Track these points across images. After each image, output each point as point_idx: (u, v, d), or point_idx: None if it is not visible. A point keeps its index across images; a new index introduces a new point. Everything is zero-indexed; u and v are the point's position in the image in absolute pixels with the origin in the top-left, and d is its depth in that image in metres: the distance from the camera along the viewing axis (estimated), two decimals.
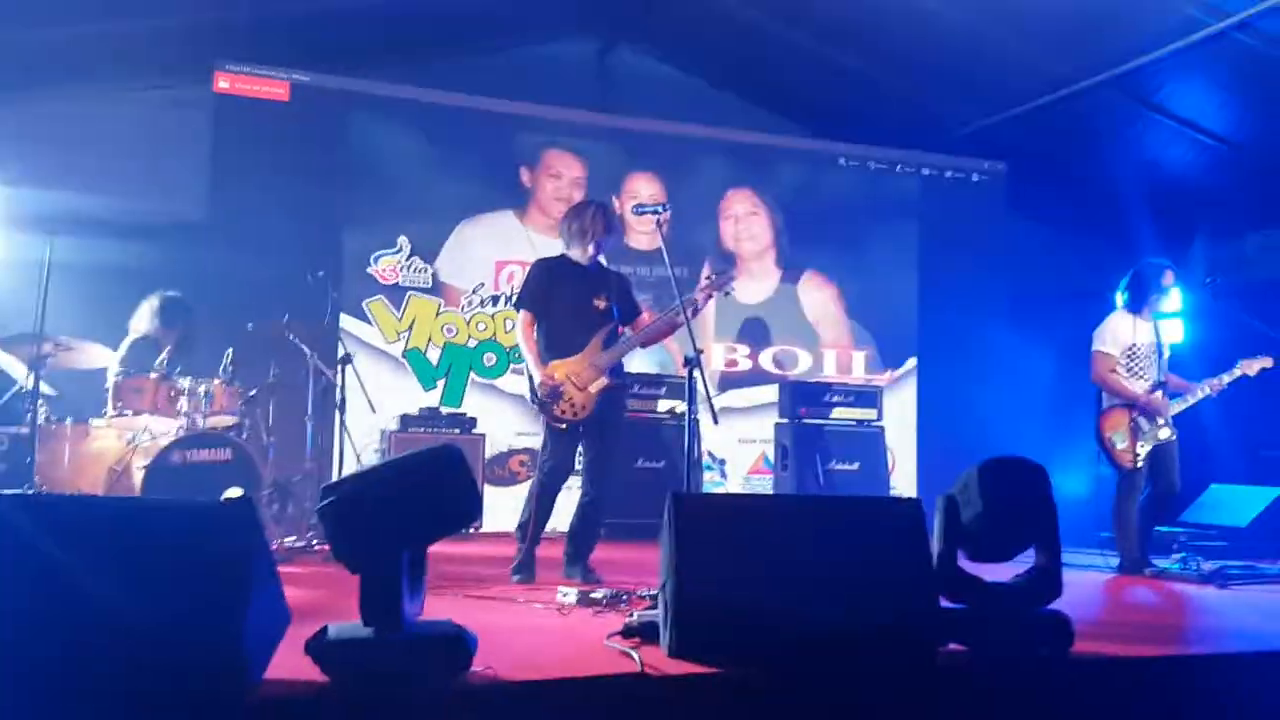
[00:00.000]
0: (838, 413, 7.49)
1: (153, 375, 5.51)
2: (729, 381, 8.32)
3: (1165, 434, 5.51)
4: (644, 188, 8.22)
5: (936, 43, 7.33)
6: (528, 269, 4.87)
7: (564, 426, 4.56)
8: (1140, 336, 5.60)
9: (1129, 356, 5.60)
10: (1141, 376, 5.59)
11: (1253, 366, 5.52)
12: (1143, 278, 5.64)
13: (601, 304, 4.69)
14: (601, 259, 4.80)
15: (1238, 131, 7.42)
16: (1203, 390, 5.54)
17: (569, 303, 4.67)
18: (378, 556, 2.47)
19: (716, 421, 4.15)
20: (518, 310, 4.76)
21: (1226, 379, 5.53)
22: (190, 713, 2.25)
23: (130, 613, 2.27)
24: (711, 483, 8.00)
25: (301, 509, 5.93)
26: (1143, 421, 5.50)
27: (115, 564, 2.35)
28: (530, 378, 4.66)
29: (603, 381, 4.57)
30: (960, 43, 7.29)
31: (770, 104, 8.49)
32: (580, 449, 4.73)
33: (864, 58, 7.63)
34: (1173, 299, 5.70)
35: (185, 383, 5.48)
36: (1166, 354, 5.66)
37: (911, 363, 8.87)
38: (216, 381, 5.59)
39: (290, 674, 2.42)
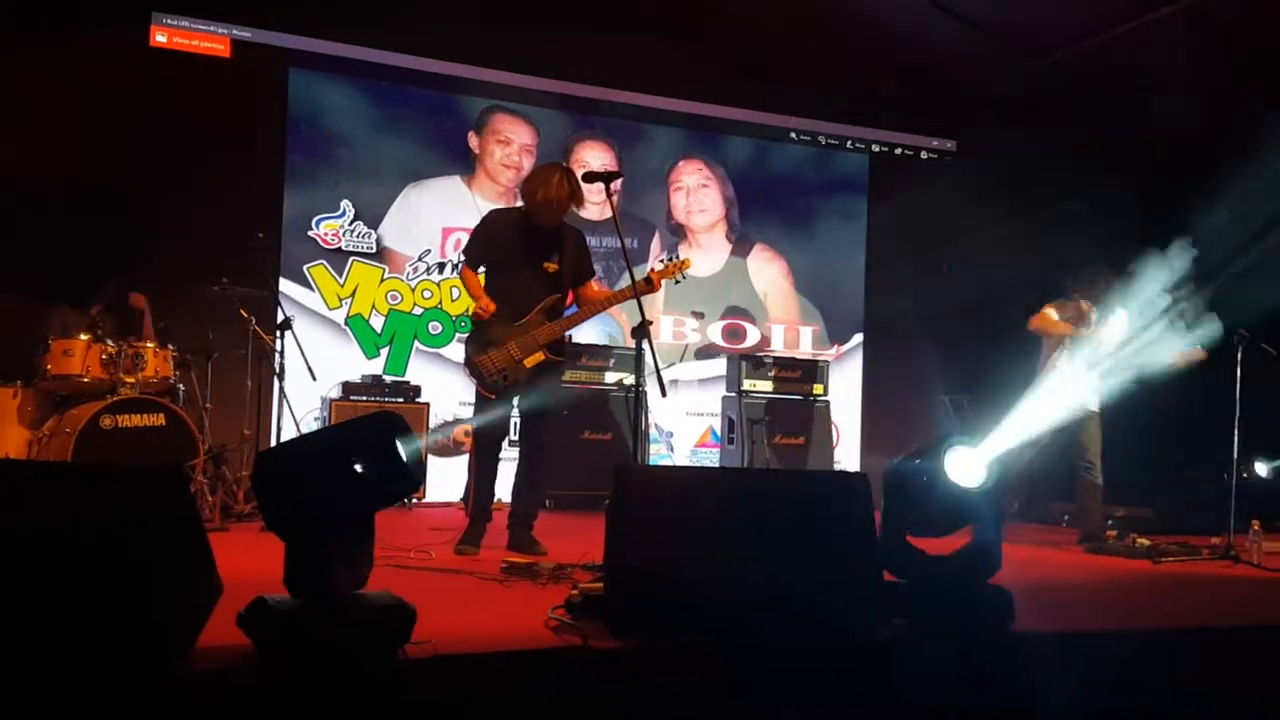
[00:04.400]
0: (785, 387, 7.50)
1: (83, 337, 5.35)
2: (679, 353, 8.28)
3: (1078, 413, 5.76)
4: (594, 156, 8.13)
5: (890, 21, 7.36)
6: (479, 220, 4.74)
7: (493, 396, 4.46)
8: (1084, 324, 5.80)
9: (1072, 340, 5.78)
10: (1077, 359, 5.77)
11: (1183, 359, 5.68)
12: (1089, 273, 5.87)
13: (552, 268, 4.55)
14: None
15: (1186, 114, 7.53)
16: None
17: (518, 264, 4.53)
18: (309, 523, 2.38)
19: (664, 394, 4.10)
20: (461, 265, 4.63)
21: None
22: (111, 687, 2.17)
23: (47, 580, 2.17)
24: (658, 455, 7.98)
25: (239, 477, 5.80)
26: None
27: (34, 531, 2.25)
28: (466, 343, 4.53)
29: (539, 356, 4.45)
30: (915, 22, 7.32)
31: (722, 73, 8.42)
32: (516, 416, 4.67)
33: (817, 30, 7.61)
34: (1116, 296, 5.86)
35: (117, 345, 5.33)
36: (1108, 345, 5.79)
37: (857, 338, 8.91)
38: (150, 345, 5.45)
39: (223, 647, 2.34)
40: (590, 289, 4.74)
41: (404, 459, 2.49)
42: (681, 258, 4.69)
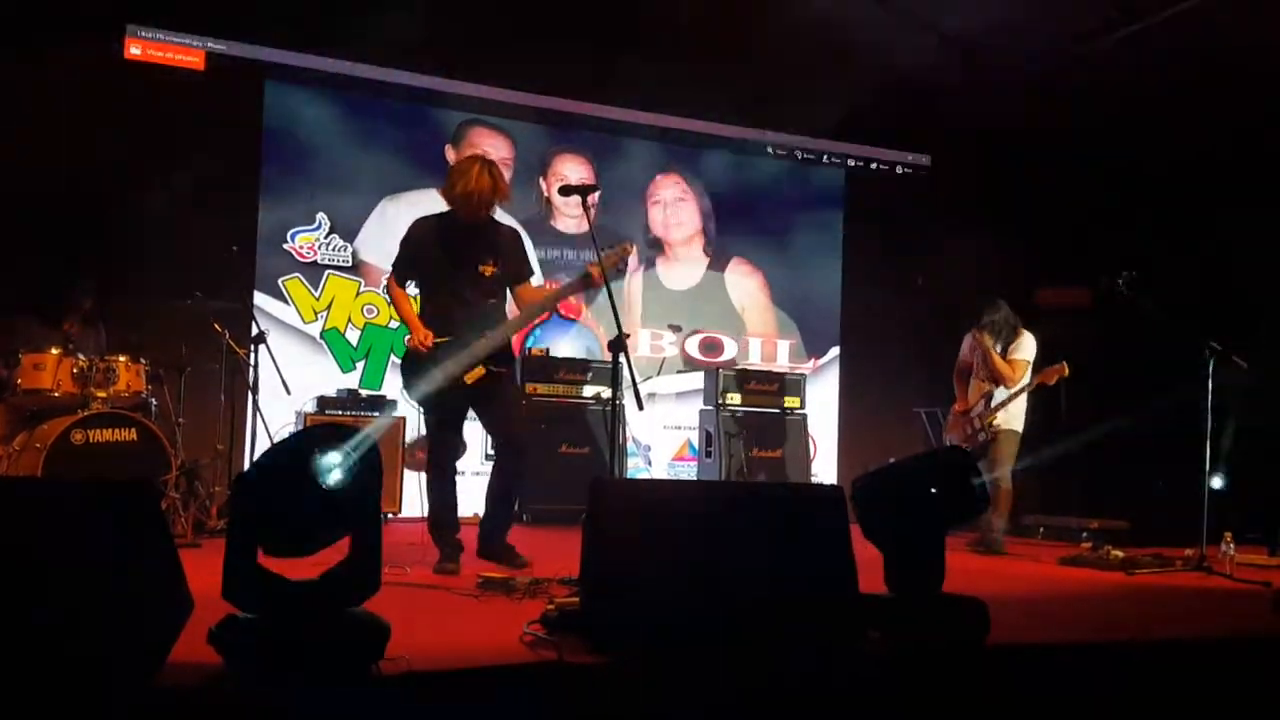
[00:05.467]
0: (762, 400, 7.52)
1: (55, 351, 5.29)
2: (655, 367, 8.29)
3: (981, 437, 6.21)
4: (572, 169, 8.13)
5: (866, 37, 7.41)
6: (406, 229, 4.50)
7: (431, 416, 4.31)
8: (975, 351, 6.35)
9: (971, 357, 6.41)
10: (975, 375, 6.37)
11: (1050, 376, 6.04)
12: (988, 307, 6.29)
13: (489, 270, 4.32)
14: (496, 215, 4.44)
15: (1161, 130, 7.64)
16: (1007, 401, 6.12)
17: (451, 271, 4.30)
18: (239, 534, 2.35)
19: (641, 407, 4.08)
20: (388, 278, 4.37)
21: (1028, 389, 6.10)
22: (83, 703, 2.14)
23: (13, 597, 2.14)
24: (636, 469, 7.97)
25: (212, 492, 5.74)
26: (966, 426, 6.29)
27: (1, 547, 2.22)
28: (402, 371, 4.35)
29: (479, 371, 4.23)
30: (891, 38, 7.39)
31: (700, 88, 8.46)
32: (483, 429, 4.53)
33: (794, 46, 7.65)
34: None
35: (88, 359, 5.27)
36: (1005, 364, 6.17)
37: (834, 352, 8.94)
38: (123, 359, 5.40)
39: (193, 665, 2.31)
40: (529, 289, 4.52)
41: (325, 479, 2.40)
42: (620, 245, 4.37)
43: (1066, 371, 6.02)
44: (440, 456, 4.41)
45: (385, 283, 4.37)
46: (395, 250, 7.37)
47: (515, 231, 4.58)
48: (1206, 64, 6.98)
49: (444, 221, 4.42)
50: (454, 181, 4.31)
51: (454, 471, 4.45)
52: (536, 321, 7.26)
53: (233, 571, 2.34)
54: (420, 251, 4.39)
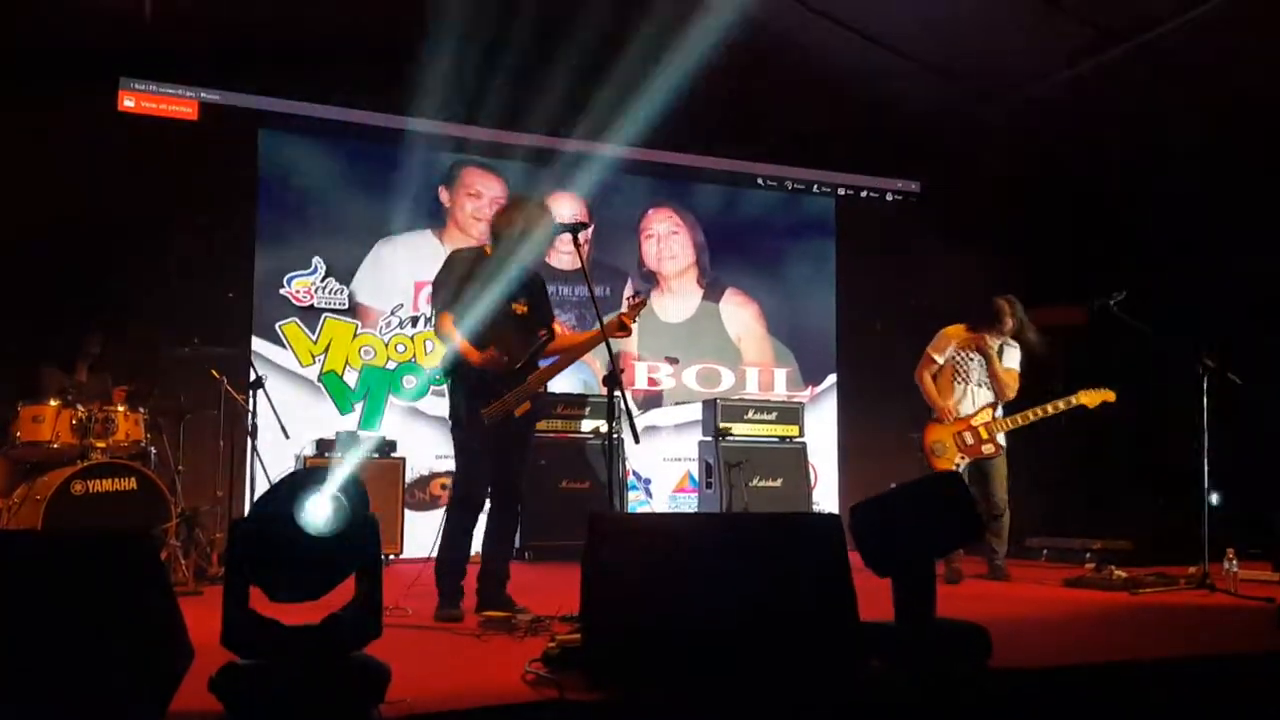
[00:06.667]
0: (761, 430, 7.52)
1: (53, 403, 5.30)
2: (653, 400, 8.30)
3: (988, 449, 5.85)
4: (564, 207, 8.19)
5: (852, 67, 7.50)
6: (443, 262, 4.45)
7: (477, 447, 4.23)
8: (967, 347, 6.01)
9: (952, 362, 6.05)
10: (965, 380, 6.00)
11: (1093, 398, 5.78)
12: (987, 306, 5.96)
13: (520, 309, 4.35)
14: None
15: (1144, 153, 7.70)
16: (1035, 414, 5.80)
17: (486, 307, 4.26)
18: (231, 578, 2.37)
19: (637, 441, 4.08)
20: (438, 312, 4.30)
21: (1062, 405, 5.78)
22: None
23: (15, 649, 2.14)
24: (636, 502, 7.96)
25: (212, 539, 5.73)
26: (967, 435, 5.88)
27: (2, 600, 2.23)
28: (458, 397, 4.27)
29: (526, 406, 4.25)
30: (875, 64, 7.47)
31: (690, 123, 8.53)
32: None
33: (781, 77, 7.73)
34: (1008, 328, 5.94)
35: (87, 409, 5.29)
36: (1006, 373, 5.92)
37: (831, 379, 8.96)
38: (121, 408, 5.41)
39: (195, 713, 2.31)
40: (555, 331, 4.55)
41: (314, 525, 2.40)
42: (639, 297, 4.41)
43: (1113, 398, 5.77)
44: (469, 494, 4.27)
45: (436, 325, 4.30)
46: (391, 290, 7.56)
47: (540, 275, 4.59)
48: (1192, 84, 7.05)
49: (481, 256, 4.41)
50: (512, 217, 4.30)
51: (478, 512, 4.32)
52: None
53: (231, 618, 2.35)
54: (466, 282, 4.30)
